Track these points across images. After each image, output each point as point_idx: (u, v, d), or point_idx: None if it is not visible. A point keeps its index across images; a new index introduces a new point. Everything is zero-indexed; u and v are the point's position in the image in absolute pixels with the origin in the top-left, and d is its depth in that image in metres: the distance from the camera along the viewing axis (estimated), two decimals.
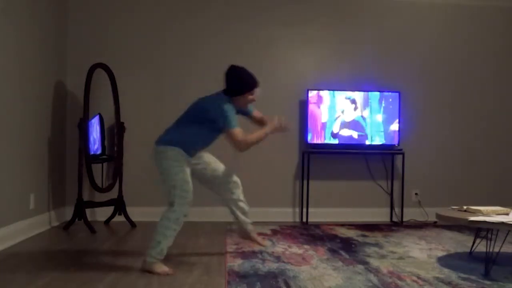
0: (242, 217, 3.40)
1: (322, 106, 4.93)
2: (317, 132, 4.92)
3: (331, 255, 3.41)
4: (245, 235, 3.50)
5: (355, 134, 4.95)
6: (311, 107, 4.91)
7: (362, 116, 4.97)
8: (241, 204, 3.38)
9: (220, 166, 3.35)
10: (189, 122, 3.16)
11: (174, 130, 3.18)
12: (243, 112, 3.33)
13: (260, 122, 3.37)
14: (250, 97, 3.14)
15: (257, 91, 3.16)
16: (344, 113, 4.95)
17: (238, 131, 2.97)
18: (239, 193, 3.37)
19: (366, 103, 4.97)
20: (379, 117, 4.98)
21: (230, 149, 3.17)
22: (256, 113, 3.41)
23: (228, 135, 3.00)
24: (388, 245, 3.78)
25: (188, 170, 3.04)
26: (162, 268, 2.89)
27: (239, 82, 3.11)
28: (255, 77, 3.16)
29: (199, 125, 3.11)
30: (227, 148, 3.24)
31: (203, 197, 4.95)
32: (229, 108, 3.02)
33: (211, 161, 3.34)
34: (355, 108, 4.96)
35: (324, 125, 4.93)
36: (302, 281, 2.75)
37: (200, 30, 5.03)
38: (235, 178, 3.37)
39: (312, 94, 4.92)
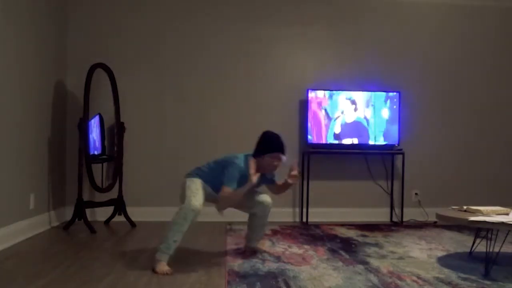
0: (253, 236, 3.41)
1: (322, 106, 4.93)
2: (317, 132, 4.92)
3: (331, 255, 3.41)
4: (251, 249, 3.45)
5: (355, 134, 4.95)
6: (311, 107, 4.91)
7: (362, 116, 4.96)
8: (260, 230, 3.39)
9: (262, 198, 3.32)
10: (213, 167, 3.25)
11: (199, 169, 3.31)
12: (268, 181, 3.37)
13: (281, 188, 3.40)
14: (275, 162, 3.16)
15: (283, 158, 3.18)
16: (344, 113, 4.95)
17: (226, 189, 3.02)
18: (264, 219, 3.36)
19: (366, 103, 4.97)
20: (379, 117, 4.98)
21: None
22: (279, 182, 3.40)
23: (222, 188, 3.05)
24: (388, 245, 3.78)
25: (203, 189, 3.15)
26: (162, 268, 2.92)
27: (265, 142, 3.19)
28: (282, 145, 3.19)
29: (218, 172, 3.16)
30: None
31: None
32: (236, 169, 3.06)
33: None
34: (355, 109, 4.96)
35: (324, 125, 4.93)
36: (302, 281, 2.75)
37: (200, 30, 5.03)
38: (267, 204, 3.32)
39: (312, 94, 4.92)
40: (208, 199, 3.23)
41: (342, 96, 4.94)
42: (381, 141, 4.98)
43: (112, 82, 4.63)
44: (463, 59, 5.34)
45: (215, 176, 3.18)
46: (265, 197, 3.32)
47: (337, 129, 4.94)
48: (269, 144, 3.18)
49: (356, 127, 4.96)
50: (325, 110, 4.93)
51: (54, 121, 4.50)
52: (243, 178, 3.07)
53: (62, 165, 4.75)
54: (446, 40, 5.32)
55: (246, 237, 3.49)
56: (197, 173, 3.29)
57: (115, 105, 4.66)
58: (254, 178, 3.03)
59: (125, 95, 4.78)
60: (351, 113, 4.96)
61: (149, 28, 4.98)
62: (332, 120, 4.94)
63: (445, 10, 5.33)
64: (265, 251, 3.48)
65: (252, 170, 3.06)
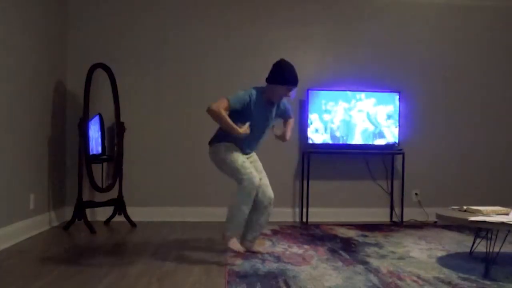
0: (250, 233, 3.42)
1: (322, 106, 4.93)
2: (317, 132, 4.92)
3: (331, 255, 3.41)
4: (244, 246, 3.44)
5: (355, 134, 4.95)
6: (311, 107, 4.91)
7: (362, 116, 4.96)
8: (257, 227, 3.40)
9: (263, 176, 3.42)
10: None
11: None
12: (282, 115, 3.54)
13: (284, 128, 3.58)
14: (284, 92, 3.27)
15: (293, 90, 3.29)
16: (344, 113, 4.95)
17: (224, 102, 3.15)
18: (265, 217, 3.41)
19: (366, 103, 4.97)
20: (379, 117, 4.98)
21: None
22: (291, 121, 3.61)
23: (220, 99, 3.19)
24: (388, 245, 3.78)
25: (242, 156, 3.27)
26: (236, 245, 3.20)
27: (278, 72, 3.26)
28: (295, 76, 3.28)
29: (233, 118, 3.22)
30: None
31: (203, 197, 4.98)
32: (244, 95, 3.23)
33: (258, 167, 3.46)
34: (355, 108, 4.96)
35: (324, 125, 4.93)
36: (302, 281, 2.75)
37: (200, 31, 5.03)
38: (270, 198, 3.38)
39: (312, 94, 4.92)
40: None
41: (342, 96, 4.94)
42: (381, 141, 4.98)
43: (112, 82, 4.63)
44: (463, 59, 5.34)
45: (234, 120, 3.18)
46: (272, 193, 3.38)
47: (337, 129, 4.94)
48: (285, 76, 3.24)
49: (356, 127, 4.96)
50: (325, 110, 4.93)
51: (54, 121, 4.50)
52: (250, 105, 3.21)
53: (62, 165, 4.75)
54: (446, 40, 5.32)
55: (241, 234, 3.42)
56: (225, 136, 3.27)
57: (115, 105, 4.66)
58: (241, 130, 3.13)
59: (125, 95, 4.78)
60: (351, 113, 4.96)
61: (149, 28, 4.98)
62: (332, 120, 4.93)
63: (445, 10, 5.33)
64: (260, 252, 3.41)
65: (238, 129, 3.12)
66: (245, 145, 3.35)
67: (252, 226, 3.38)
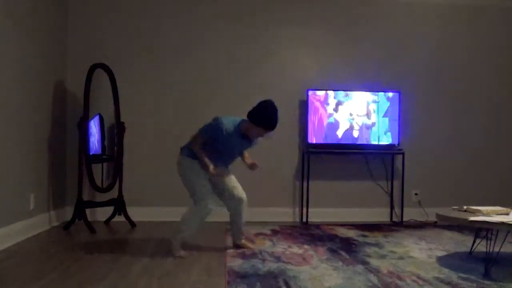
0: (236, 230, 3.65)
1: (322, 106, 4.93)
2: (317, 132, 4.92)
3: (331, 255, 3.41)
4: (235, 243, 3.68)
5: (355, 134, 4.95)
6: (311, 107, 4.91)
7: (362, 116, 4.96)
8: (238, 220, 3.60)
9: (236, 186, 3.58)
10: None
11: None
12: (251, 145, 3.60)
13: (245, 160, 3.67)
14: (261, 133, 3.39)
15: (269, 133, 3.41)
16: (344, 113, 4.95)
17: (198, 136, 3.37)
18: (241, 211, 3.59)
19: (366, 103, 4.97)
20: (379, 117, 4.98)
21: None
22: (247, 155, 3.68)
23: (194, 135, 3.41)
24: (388, 245, 3.78)
25: (203, 176, 3.40)
26: (179, 252, 3.38)
27: (263, 115, 3.33)
28: (276, 122, 3.37)
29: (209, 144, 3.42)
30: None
31: None
32: (215, 125, 3.32)
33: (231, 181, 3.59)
34: (355, 108, 4.96)
35: (324, 125, 4.93)
36: (302, 281, 2.75)
37: (200, 31, 5.03)
38: (241, 196, 3.56)
39: (312, 94, 4.92)
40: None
41: (341, 96, 4.94)
42: (381, 141, 4.98)
43: (112, 82, 4.63)
44: (463, 59, 5.34)
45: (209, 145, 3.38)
46: (241, 193, 3.55)
47: (337, 129, 4.94)
48: (266, 119, 3.33)
49: (356, 127, 4.96)
50: (325, 110, 4.93)
51: (54, 121, 4.50)
52: (223, 135, 3.31)
53: (62, 165, 4.75)
54: (446, 40, 5.32)
55: (232, 236, 3.69)
56: (191, 153, 3.41)
57: (115, 105, 4.66)
58: (212, 172, 3.30)
59: (125, 95, 4.78)
60: (351, 113, 4.96)
61: (149, 28, 4.98)
62: (332, 120, 4.93)
63: (445, 10, 5.33)
64: (248, 247, 3.59)
65: (211, 170, 3.30)
66: (217, 163, 3.43)
67: (236, 227, 3.61)
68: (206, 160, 3.33)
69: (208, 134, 3.35)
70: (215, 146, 3.39)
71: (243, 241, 3.65)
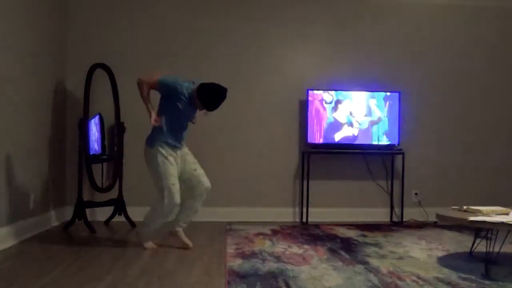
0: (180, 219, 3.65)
1: (322, 106, 4.93)
2: (317, 132, 4.92)
3: (331, 255, 3.41)
4: (173, 232, 3.68)
5: (355, 134, 4.95)
6: (311, 107, 4.91)
7: (362, 116, 4.97)
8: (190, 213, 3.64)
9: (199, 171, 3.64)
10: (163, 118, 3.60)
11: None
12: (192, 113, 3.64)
13: None
14: (201, 108, 3.51)
15: (205, 112, 3.53)
16: (344, 113, 4.95)
17: (154, 79, 3.47)
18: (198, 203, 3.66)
19: (366, 103, 4.97)
20: (379, 117, 4.98)
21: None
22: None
23: (150, 78, 3.50)
24: (388, 245, 3.78)
25: (171, 168, 3.45)
26: (150, 244, 3.55)
27: (208, 95, 3.45)
28: (216, 106, 3.48)
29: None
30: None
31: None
32: (177, 82, 3.44)
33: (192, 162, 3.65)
34: (355, 108, 4.96)
35: (324, 125, 4.93)
36: (302, 281, 2.75)
37: (200, 30, 5.03)
38: (205, 187, 3.62)
39: (312, 94, 4.92)
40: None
41: (341, 96, 4.94)
42: (381, 141, 4.98)
43: (112, 82, 4.63)
44: (463, 59, 5.34)
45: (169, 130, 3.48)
46: (207, 181, 3.60)
47: (337, 129, 4.94)
48: (209, 99, 3.44)
49: (356, 127, 4.96)
50: (325, 110, 4.93)
51: (54, 121, 4.50)
52: (179, 96, 3.42)
53: (62, 165, 4.75)
54: (446, 40, 5.32)
55: (175, 218, 3.65)
56: (158, 138, 3.46)
57: (115, 105, 4.66)
58: (153, 120, 3.43)
59: (125, 95, 4.78)
60: (351, 112, 4.96)
61: (149, 28, 4.97)
62: (332, 120, 4.93)
63: (445, 10, 5.33)
64: (187, 245, 3.58)
65: (153, 120, 3.43)
66: (172, 138, 3.48)
67: (186, 211, 3.61)
68: (150, 106, 3.45)
69: (167, 85, 3.43)
70: (171, 112, 3.45)
71: (180, 230, 3.63)
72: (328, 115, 4.93)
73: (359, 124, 4.96)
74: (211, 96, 3.44)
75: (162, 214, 3.47)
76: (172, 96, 3.44)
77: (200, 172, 3.61)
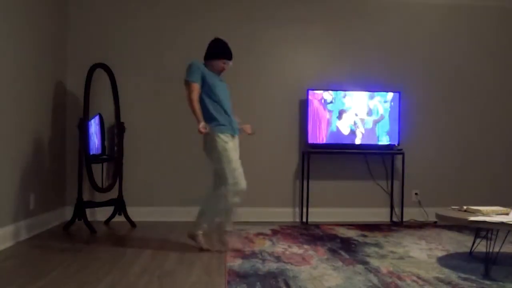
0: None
1: (322, 106, 4.93)
2: (317, 132, 4.92)
3: (331, 255, 3.41)
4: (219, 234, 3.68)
5: (355, 134, 4.95)
6: (311, 107, 4.91)
7: (362, 116, 4.97)
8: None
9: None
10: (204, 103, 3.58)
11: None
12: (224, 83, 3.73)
13: None
14: (220, 64, 3.60)
15: (229, 63, 3.64)
16: (344, 113, 4.95)
17: (194, 86, 3.48)
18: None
19: (366, 103, 4.97)
20: (379, 117, 4.98)
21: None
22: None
23: (186, 86, 3.51)
24: (388, 245, 3.78)
25: (235, 154, 3.52)
26: (205, 244, 3.52)
27: (213, 48, 3.63)
28: (229, 49, 3.64)
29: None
30: None
31: (202, 197, 4.97)
32: (194, 64, 3.52)
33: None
34: (355, 108, 4.96)
35: (324, 125, 4.93)
36: (302, 281, 2.75)
37: (200, 30, 5.02)
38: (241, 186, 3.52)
39: (312, 94, 4.92)
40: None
41: (341, 96, 4.94)
42: (381, 141, 4.99)
43: (112, 82, 4.63)
44: (463, 59, 5.34)
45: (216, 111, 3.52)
46: (243, 181, 3.48)
47: (337, 129, 4.94)
48: (218, 50, 3.61)
49: (356, 127, 4.96)
50: (325, 110, 4.93)
51: (54, 121, 4.50)
52: (205, 75, 3.51)
53: (62, 165, 4.75)
54: (446, 40, 5.32)
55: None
56: (217, 122, 3.51)
57: (115, 105, 4.66)
58: (202, 129, 3.38)
59: (125, 95, 4.78)
60: (351, 112, 4.96)
61: (149, 28, 4.98)
62: (332, 120, 4.93)
63: (445, 10, 5.33)
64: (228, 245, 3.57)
65: (201, 125, 3.39)
66: (229, 121, 3.54)
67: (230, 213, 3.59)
68: (198, 113, 3.43)
69: (196, 75, 3.47)
70: (211, 96, 3.50)
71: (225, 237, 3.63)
72: (328, 115, 4.92)
73: (359, 124, 4.95)
74: (215, 44, 3.61)
75: (223, 203, 3.43)
76: (203, 81, 3.50)
77: (241, 170, 3.55)
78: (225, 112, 3.54)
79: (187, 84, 3.49)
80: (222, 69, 3.63)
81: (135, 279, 2.77)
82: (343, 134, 4.93)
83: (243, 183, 3.42)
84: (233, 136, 3.55)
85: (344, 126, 4.93)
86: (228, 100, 3.62)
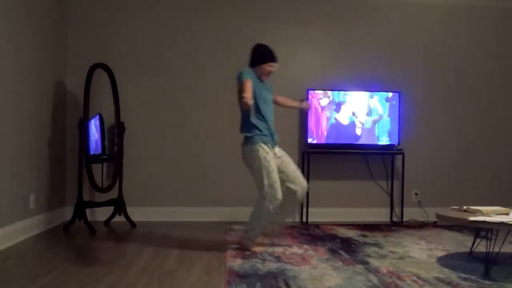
0: (279, 218, 3.69)
1: (321, 106, 4.93)
2: (317, 132, 4.92)
3: (331, 255, 3.41)
4: (275, 233, 3.81)
5: (355, 134, 4.95)
6: (311, 107, 4.90)
7: (362, 116, 4.97)
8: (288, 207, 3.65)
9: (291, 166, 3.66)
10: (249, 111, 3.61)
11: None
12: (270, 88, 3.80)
13: (285, 104, 4.06)
14: (267, 68, 3.64)
15: (275, 65, 3.69)
16: (343, 113, 4.95)
17: (244, 82, 3.44)
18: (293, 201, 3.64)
19: (366, 103, 4.97)
20: (379, 117, 4.98)
21: None
22: (280, 98, 3.99)
23: (240, 83, 3.48)
24: (388, 245, 3.78)
25: (274, 164, 3.52)
26: (256, 247, 3.51)
27: (257, 54, 3.66)
28: (273, 53, 3.68)
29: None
30: None
31: (203, 197, 4.98)
32: (247, 71, 3.54)
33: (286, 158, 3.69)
34: (355, 108, 4.96)
35: (324, 125, 4.93)
36: (302, 281, 2.75)
37: (200, 30, 5.03)
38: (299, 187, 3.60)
39: (312, 94, 4.92)
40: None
41: (341, 96, 4.94)
42: (381, 141, 4.99)
43: (112, 82, 4.63)
44: (463, 59, 5.34)
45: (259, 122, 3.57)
46: (302, 182, 3.58)
47: (337, 129, 4.94)
48: (262, 54, 3.65)
49: (356, 127, 4.96)
50: (325, 110, 4.93)
51: (54, 121, 4.50)
52: (254, 81, 3.53)
53: (62, 165, 4.75)
54: (446, 40, 5.32)
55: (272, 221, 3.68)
56: (257, 134, 3.55)
57: (115, 105, 4.66)
58: (250, 100, 3.34)
59: (125, 95, 4.78)
60: (351, 112, 4.95)
61: (149, 28, 4.97)
62: (332, 120, 4.93)
63: (445, 10, 5.33)
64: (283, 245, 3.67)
65: (247, 93, 3.35)
66: (269, 129, 3.60)
67: (282, 212, 3.61)
68: (248, 89, 3.38)
69: (248, 75, 3.47)
70: (257, 108, 3.54)
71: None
72: (328, 115, 4.92)
73: (362, 124, 4.95)
74: (259, 49, 3.65)
75: (263, 214, 3.43)
76: (254, 84, 3.52)
77: (298, 174, 3.61)
78: (267, 122, 3.59)
79: (241, 81, 3.47)
80: (270, 72, 3.69)
81: (135, 279, 2.77)
82: (343, 125, 4.93)
83: (279, 195, 3.41)
84: (273, 146, 3.59)
85: (343, 118, 4.92)
86: (271, 110, 3.69)
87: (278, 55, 5.12)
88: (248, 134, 3.55)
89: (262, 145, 3.49)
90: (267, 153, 3.48)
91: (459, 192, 5.23)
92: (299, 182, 3.57)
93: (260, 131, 3.53)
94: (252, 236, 3.53)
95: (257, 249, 3.51)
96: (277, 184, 3.42)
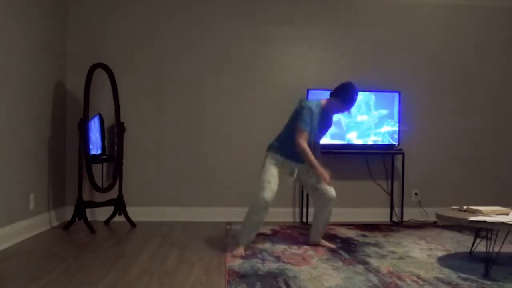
0: (314, 228, 3.74)
1: None
2: None
3: (331, 255, 3.41)
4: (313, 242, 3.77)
5: (355, 134, 4.95)
6: None
7: (362, 116, 4.96)
8: (321, 219, 3.68)
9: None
10: (284, 136, 3.65)
11: (277, 141, 3.69)
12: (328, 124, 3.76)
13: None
14: (344, 111, 3.65)
15: (349, 112, 3.70)
16: (343, 113, 4.93)
17: (304, 134, 3.45)
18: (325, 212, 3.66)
19: (366, 103, 4.97)
20: (379, 117, 4.98)
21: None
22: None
23: (297, 131, 3.48)
24: (388, 245, 3.78)
25: (276, 175, 3.53)
26: (239, 251, 3.42)
27: (350, 93, 3.56)
28: (356, 100, 3.62)
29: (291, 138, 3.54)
30: None
31: (203, 197, 4.98)
32: (309, 110, 3.49)
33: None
34: (355, 108, 4.95)
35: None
36: (302, 281, 2.76)
37: (200, 30, 5.03)
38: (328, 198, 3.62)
39: (312, 94, 4.92)
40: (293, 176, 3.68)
41: None
42: (381, 141, 4.98)
43: (112, 82, 4.63)
44: (463, 59, 5.34)
45: (290, 146, 3.52)
46: (330, 193, 3.58)
47: (337, 129, 4.94)
48: (350, 98, 3.57)
49: (356, 127, 4.96)
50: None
51: (54, 121, 4.50)
52: (316, 118, 3.52)
53: (62, 165, 4.75)
54: (446, 40, 5.32)
55: (309, 232, 3.81)
56: (276, 146, 3.61)
57: (115, 105, 4.66)
58: (327, 178, 3.45)
59: (125, 95, 4.78)
60: (352, 113, 4.94)
61: (149, 28, 4.97)
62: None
63: (446, 10, 5.33)
64: (326, 245, 3.69)
65: (325, 176, 3.45)
66: (290, 157, 3.57)
67: (319, 225, 3.68)
68: (315, 161, 3.44)
69: (308, 124, 3.46)
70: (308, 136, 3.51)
71: (322, 240, 3.74)
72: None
73: (362, 124, 4.95)
74: (354, 92, 3.54)
75: (253, 210, 3.47)
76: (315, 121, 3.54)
77: (323, 187, 3.59)
78: (295, 153, 3.52)
79: (298, 129, 3.48)
80: (339, 112, 3.72)
81: (135, 279, 2.77)
82: (343, 125, 4.93)
83: (267, 195, 3.42)
84: (282, 163, 3.57)
85: (343, 118, 4.91)
86: (318, 142, 3.71)
87: (278, 55, 5.17)
88: (274, 146, 3.61)
89: (273, 154, 3.58)
90: (274, 160, 3.56)
91: (459, 192, 5.23)
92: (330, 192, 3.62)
93: (280, 149, 3.57)
94: (242, 236, 3.52)
95: (238, 252, 3.40)
96: (268, 185, 3.45)
